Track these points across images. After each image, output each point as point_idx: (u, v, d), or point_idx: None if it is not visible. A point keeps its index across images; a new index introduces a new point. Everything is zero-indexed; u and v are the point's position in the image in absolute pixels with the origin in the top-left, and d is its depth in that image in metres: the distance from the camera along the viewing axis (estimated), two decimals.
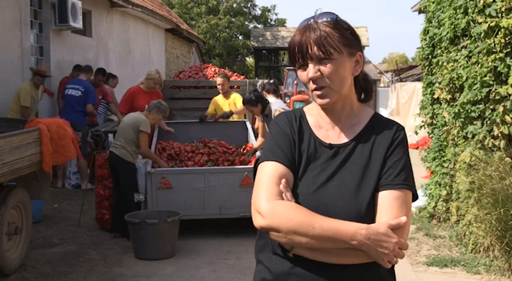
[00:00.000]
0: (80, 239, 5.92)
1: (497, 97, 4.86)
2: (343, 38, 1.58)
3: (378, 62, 47.31)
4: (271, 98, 7.44)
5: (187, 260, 5.36)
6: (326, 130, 1.66)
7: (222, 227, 6.39)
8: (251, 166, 6.25)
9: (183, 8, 34.11)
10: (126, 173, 5.94)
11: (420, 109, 7.31)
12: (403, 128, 1.68)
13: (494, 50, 4.86)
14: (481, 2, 5.03)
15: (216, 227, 6.39)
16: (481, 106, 5.06)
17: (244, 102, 6.39)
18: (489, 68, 4.90)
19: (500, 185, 4.62)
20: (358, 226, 1.47)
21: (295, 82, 20.09)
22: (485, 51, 4.95)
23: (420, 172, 9.01)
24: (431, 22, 6.72)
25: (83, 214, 6.49)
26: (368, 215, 1.54)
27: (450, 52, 5.91)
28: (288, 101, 19.30)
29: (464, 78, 5.34)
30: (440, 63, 6.21)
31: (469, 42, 5.33)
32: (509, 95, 4.76)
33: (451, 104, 5.86)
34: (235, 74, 11.44)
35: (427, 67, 6.98)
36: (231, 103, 7.70)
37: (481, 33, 4.99)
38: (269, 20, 37.53)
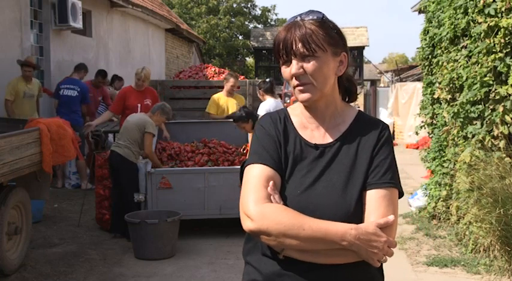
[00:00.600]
0: (80, 239, 5.92)
1: (497, 97, 4.86)
2: (328, 36, 1.58)
3: (377, 62, 47.34)
4: (269, 99, 7.45)
5: (187, 260, 5.36)
6: (311, 130, 1.66)
7: (222, 227, 6.39)
8: None
9: (183, 8, 34.10)
10: (128, 173, 5.93)
11: (420, 109, 7.31)
12: (387, 127, 1.68)
13: (494, 50, 4.86)
14: (481, 2, 5.03)
15: (216, 227, 6.39)
16: (481, 106, 5.06)
17: (235, 120, 6.37)
18: (489, 68, 4.90)
19: (500, 185, 4.62)
20: (347, 227, 1.48)
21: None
22: (485, 51, 4.95)
23: (420, 172, 9.02)
24: (431, 22, 6.72)
25: (83, 214, 6.50)
26: (356, 214, 1.54)
27: (450, 52, 5.91)
28: (288, 101, 19.33)
29: (464, 78, 5.34)
30: (440, 63, 6.21)
31: (469, 42, 5.33)
32: (509, 95, 4.76)
33: (451, 104, 5.86)
34: (236, 74, 11.44)
35: (427, 67, 6.98)
36: (237, 103, 7.66)
37: (481, 33, 4.99)
38: (269, 20, 37.53)
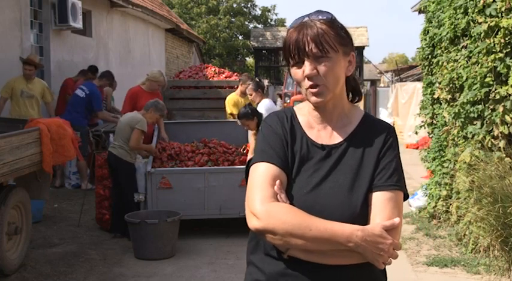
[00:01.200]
0: (80, 239, 5.92)
1: (497, 97, 4.86)
2: (339, 36, 1.58)
3: (377, 62, 47.36)
4: (265, 99, 7.47)
5: (187, 260, 5.36)
6: (318, 130, 1.65)
7: (222, 227, 6.39)
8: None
9: (183, 8, 34.11)
10: (125, 173, 5.94)
11: (420, 109, 7.31)
12: (394, 129, 1.69)
13: (494, 50, 4.86)
14: (481, 2, 5.03)
15: (216, 227, 6.39)
16: (481, 106, 5.06)
17: (239, 117, 6.37)
18: (489, 68, 4.90)
19: (500, 185, 4.62)
20: (353, 228, 1.48)
21: (295, 82, 20.13)
22: (485, 51, 4.95)
23: (420, 172, 9.01)
24: (431, 22, 6.72)
25: (83, 214, 6.49)
26: (362, 216, 1.54)
27: (450, 52, 5.91)
28: (288, 101, 19.34)
29: (464, 78, 5.34)
30: (440, 63, 6.21)
31: (469, 42, 5.33)
32: (509, 95, 4.76)
33: (451, 104, 5.86)
34: (236, 74, 11.44)
35: (427, 67, 6.97)
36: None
37: (481, 33, 4.99)
38: (269, 20, 37.53)
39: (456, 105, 5.49)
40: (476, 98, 5.06)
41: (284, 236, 1.47)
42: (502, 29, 4.77)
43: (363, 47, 28.36)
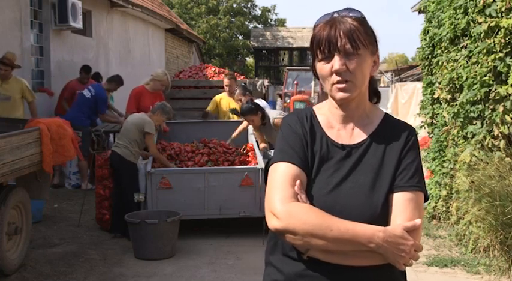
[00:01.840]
0: (80, 239, 5.92)
1: (497, 97, 4.86)
2: (368, 35, 1.57)
3: None
4: (257, 100, 7.51)
5: (187, 260, 5.36)
6: (338, 130, 1.64)
7: (222, 227, 6.39)
8: (251, 166, 6.26)
9: (183, 8, 34.11)
10: (127, 173, 5.94)
11: (420, 109, 7.31)
12: (415, 130, 1.67)
13: (494, 50, 4.86)
14: (481, 2, 5.03)
15: (216, 227, 6.39)
16: (481, 106, 5.06)
17: (243, 113, 6.37)
18: (489, 68, 4.90)
19: (500, 185, 4.62)
20: (375, 229, 1.46)
21: (295, 82, 20.12)
22: (485, 51, 4.95)
23: None
24: (431, 22, 6.72)
25: (83, 214, 6.49)
26: (382, 216, 1.53)
27: (450, 52, 5.91)
28: (288, 101, 19.33)
29: (464, 78, 5.34)
30: (440, 63, 6.21)
31: (469, 42, 5.34)
32: (509, 95, 4.76)
33: (451, 104, 5.86)
34: (235, 74, 11.45)
35: (427, 67, 6.98)
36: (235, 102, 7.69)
37: (481, 33, 4.99)
38: (269, 20, 37.54)
39: (456, 105, 5.49)
40: (476, 98, 5.06)
41: (304, 236, 1.46)
42: (502, 29, 4.77)
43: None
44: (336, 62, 1.54)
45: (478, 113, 5.10)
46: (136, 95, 7.35)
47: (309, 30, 32.64)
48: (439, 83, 6.23)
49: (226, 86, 7.92)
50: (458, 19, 5.61)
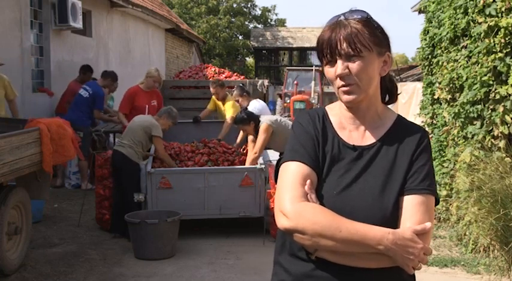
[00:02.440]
0: (80, 239, 5.91)
1: (497, 97, 4.86)
2: (374, 36, 1.55)
3: None
4: (253, 101, 7.52)
5: (187, 260, 5.36)
6: (349, 131, 1.63)
7: (222, 227, 6.39)
8: (251, 166, 6.26)
9: (183, 8, 34.12)
10: (130, 173, 5.93)
11: (420, 109, 7.31)
12: (427, 133, 1.66)
13: (494, 50, 4.86)
14: (481, 2, 5.04)
15: (216, 227, 6.39)
16: (481, 106, 5.07)
17: (236, 122, 6.38)
18: (489, 68, 4.90)
19: (500, 185, 4.62)
20: (384, 231, 1.46)
21: (295, 82, 20.13)
22: (485, 51, 4.95)
23: None
24: (431, 22, 6.72)
25: (83, 214, 6.49)
26: (392, 219, 1.52)
27: (450, 52, 5.91)
28: (288, 101, 19.33)
29: (464, 78, 5.34)
30: (440, 63, 6.22)
31: (469, 42, 5.34)
32: (509, 95, 4.76)
33: (451, 104, 5.86)
34: (235, 74, 11.45)
35: (427, 67, 6.98)
36: (225, 109, 7.65)
37: (481, 33, 5.00)
38: (269, 20, 37.56)
39: (456, 105, 5.50)
40: (476, 98, 5.06)
41: (313, 236, 1.46)
42: (502, 29, 4.78)
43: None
44: (338, 67, 1.54)
45: (478, 113, 5.10)
46: (130, 95, 7.36)
47: (309, 30, 32.72)
48: (439, 83, 6.23)
49: (213, 94, 7.79)
50: (458, 19, 5.61)
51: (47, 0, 9.26)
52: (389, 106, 1.73)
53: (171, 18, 16.25)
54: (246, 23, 36.03)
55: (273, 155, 6.85)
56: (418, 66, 17.11)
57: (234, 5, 35.19)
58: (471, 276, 4.80)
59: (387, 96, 1.71)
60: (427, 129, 7.10)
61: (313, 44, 31.65)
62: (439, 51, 6.34)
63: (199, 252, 5.59)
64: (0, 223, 4.49)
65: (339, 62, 1.54)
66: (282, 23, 38.44)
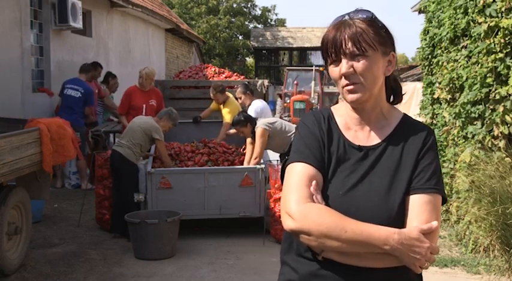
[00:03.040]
0: (80, 239, 5.91)
1: (497, 97, 4.86)
2: (378, 35, 1.56)
3: None
4: (256, 101, 7.49)
5: (187, 260, 5.35)
6: (355, 131, 1.63)
7: (222, 227, 6.39)
8: (251, 166, 6.26)
9: (183, 8, 34.13)
10: (128, 174, 5.93)
11: (420, 109, 7.31)
12: (433, 132, 1.66)
13: (494, 50, 4.86)
14: (481, 2, 5.04)
15: (216, 227, 6.39)
16: (481, 106, 5.07)
17: (233, 124, 6.39)
18: (489, 68, 4.90)
19: (500, 185, 4.62)
20: (390, 231, 1.45)
21: (295, 82, 20.12)
22: (485, 51, 4.95)
23: None
24: (431, 22, 6.72)
25: (83, 214, 6.49)
26: (398, 219, 1.52)
27: (450, 52, 5.92)
28: (288, 101, 19.32)
29: (464, 78, 5.34)
30: (440, 63, 6.22)
31: (469, 42, 5.34)
32: (509, 95, 4.77)
33: (451, 104, 5.86)
34: (235, 74, 11.44)
35: (427, 67, 6.98)
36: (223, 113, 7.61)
37: (481, 33, 5.00)
38: (269, 20, 37.56)
39: (456, 105, 5.50)
40: (476, 98, 5.07)
41: (319, 237, 1.46)
42: (502, 29, 4.78)
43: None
44: (343, 66, 1.54)
45: (479, 113, 5.10)
46: (127, 95, 7.35)
47: (309, 30, 32.73)
48: (439, 83, 6.23)
49: (213, 99, 7.69)
50: (458, 19, 5.61)
51: (47, 0, 9.26)
52: None
53: (171, 18, 16.25)
54: (246, 23, 36.03)
55: (273, 156, 6.85)
56: (418, 66, 17.11)
57: (234, 5, 35.18)
58: (471, 276, 4.80)
59: (392, 96, 1.71)
60: None
61: (313, 44, 31.74)
62: (439, 51, 6.34)
63: (199, 252, 5.59)
64: (0, 223, 4.49)
65: (344, 61, 1.54)
66: (282, 23, 38.44)
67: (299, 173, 1.56)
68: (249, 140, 6.46)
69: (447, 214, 6.11)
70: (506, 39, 4.77)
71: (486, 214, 4.67)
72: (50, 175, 5.31)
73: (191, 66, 13.01)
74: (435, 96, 6.45)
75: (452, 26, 5.72)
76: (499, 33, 4.82)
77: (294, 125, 6.45)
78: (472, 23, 5.30)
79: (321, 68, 19.76)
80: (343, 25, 1.56)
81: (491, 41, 4.87)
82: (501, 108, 4.80)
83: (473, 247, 5.16)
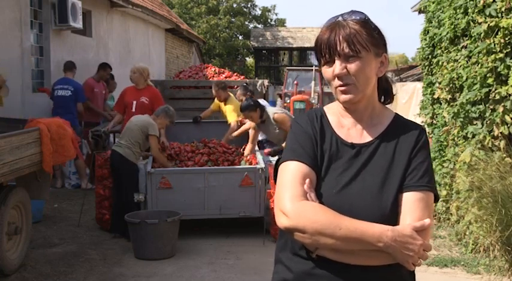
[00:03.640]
0: (80, 239, 5.91)
1: (497, 97, 4.86)
2: (371, 37, 1.57)
3: None
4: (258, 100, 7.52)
5: (187, 260, 5.36)
6: (348, 129, 1.65)
7: (222, 227, 6.39)
8: (251, 166, 6.26)
9: (183, 8, 34.12)
10: (128, 174, 5.93)
11: (420, 109, 7.31)
12: (425, 130, 1.67)
13: (494, 50, 4.86)
14: (481, 2, 5.04)
15: (216, 227, 6.39)
16: (481, 106, 5.07)
17: (242, 109, 6.41)
18: (489, 68, 4.90)
19: (500, 185, 4.62)
20: (383, 228, 1.47)
21: (295, 82, 20.12)
22: (485, 51, 4.95)
23: None
24: (431, 22, 6.72)
25: (83, 214, 6.49)
26: (391, 216, 1.53)
27: (450, 52, 5.92)
28: (288, 101, 19.32)
29: (464, 78, 5.34)
30: (440, 63, 6.22)
31: (469, 42, 5.34)
32: (509, 95, 4.76)
33: (451, 104, 5.86)
34: (235, 74, 11.44)
35: (427, 67, 6.98)
36: (226, 111, 7.62)
37: (481, 33, 5.00)
38: (269, 20, 37.54)
39: (456, 105, 5.50)
40: (476, 98, 5.07)
41: (313, 235, 1.47)
42: (502, 29, 4.78)
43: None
44: (337, 67, 1.56)
45: (479, 113, 5.10)
46: (121, 93, 7.36)
47: (309, 30, 32.71)
48: (439, 83, 6.23)
49: (215, 96, 7.73)
50: (458, 19, 5.61)
51: (47, 0, 9.26)
52: (388, 106, 1.74)
53: (171, 18, 16.25)
54: (246, 23, 36.01)
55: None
56: (418, 66, 17.12)
57: (234, 5, 35.17)
58: (471, 276, 4.80)
59: (384, 96, 1.72)
60: (427, 129, 7.10)
61: (313, 44, 31.56)
62: (439, 51, 6.34)
63: (199, 252, 5.59)
64: (0, 223, 4.49)
65: (337, 62, 1.56)
66: (282, 23, 38.43)
67: (293, 171, 1.57)
68: (253, 124, 6.50)
69: (447, 214, 6.11)
70: (506, 39, 4.77)
71: (486, 214, 4.67)
72: (50, 175, 5.31)
73: (191, 66, 13.00)
74: (435, 96, 6.45)
75: (452, 26, 5.72)
76: (499, 33, 4.82)
77: None
78: (472, 23, 5.30)
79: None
80: (337, 26, 1.58)
81: (491, 41, 4.87)
82: (501, 109, 4.80)
83: (474, 247, 5.16)
